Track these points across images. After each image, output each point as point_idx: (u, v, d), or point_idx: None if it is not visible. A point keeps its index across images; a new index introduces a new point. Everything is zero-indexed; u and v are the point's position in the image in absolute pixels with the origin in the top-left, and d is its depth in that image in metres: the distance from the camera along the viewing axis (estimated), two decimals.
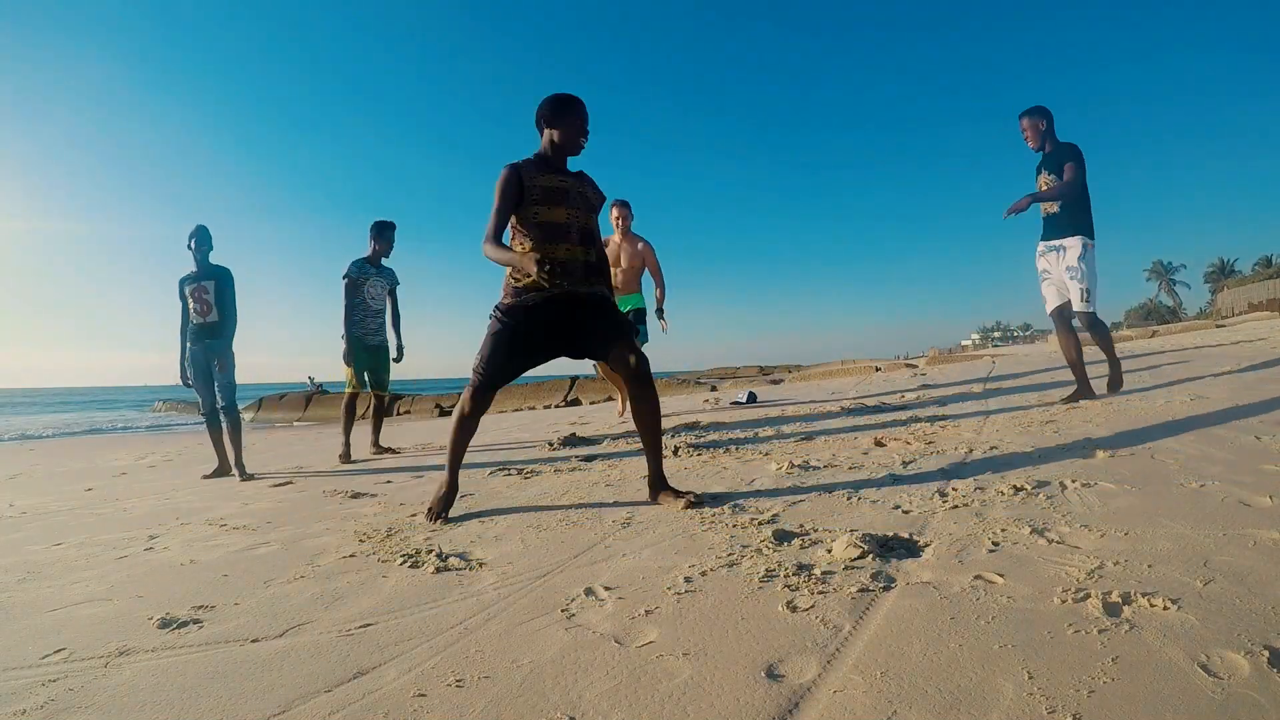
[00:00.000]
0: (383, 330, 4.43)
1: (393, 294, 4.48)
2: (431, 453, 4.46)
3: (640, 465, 3.10)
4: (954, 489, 2.10)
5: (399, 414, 14.43)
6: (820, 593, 1.39)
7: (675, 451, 3.26)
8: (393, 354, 4.54)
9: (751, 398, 6.20)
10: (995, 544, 1.58)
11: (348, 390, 4.35)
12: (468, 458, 3.95)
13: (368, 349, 4.34)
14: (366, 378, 4.40)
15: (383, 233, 4.39)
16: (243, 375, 4.06)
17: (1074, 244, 3.61)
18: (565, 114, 2.35)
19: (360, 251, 4.41)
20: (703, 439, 3.70)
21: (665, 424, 4.71)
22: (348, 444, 4.18)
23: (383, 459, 4.22)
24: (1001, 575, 1.39)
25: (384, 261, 4.44)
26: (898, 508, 1.97)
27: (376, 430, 4.55)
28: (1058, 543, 1.56)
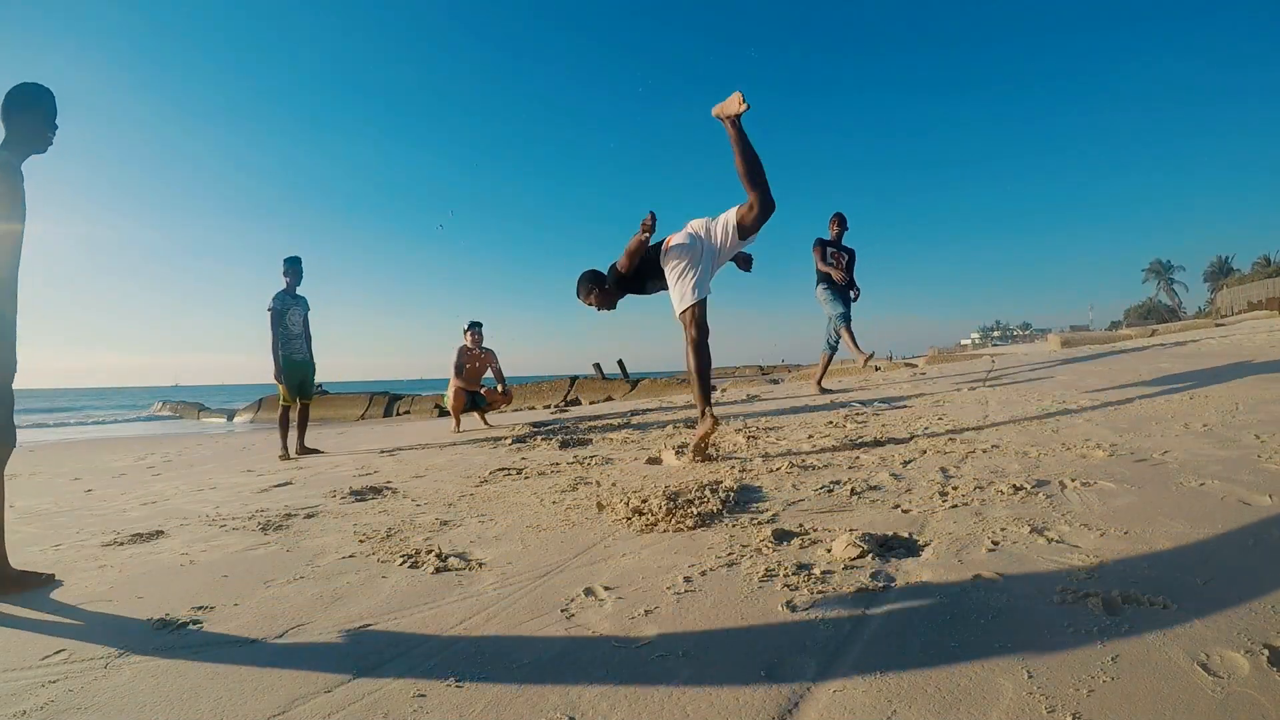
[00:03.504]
0: (304, 348, 5.25)
1: (306, 319, 5.32)
2: (432, 452, 4.47)
3: (639, 465, 3.11)
4: (954, 488, 2.10)
5: (399, 414, 14.42)
6: (820, 592, 1.39)
7: (678, 450, 3.26)
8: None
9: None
10: (995, 543, 1.58)
11: (282, 404, 5.14)
12: (466, 459, 3.94)
13: (295, 365, 5.15)
14: (297, 390, 5.18)
15: (294, 267, 5.21)
16: (241, 376, 4.15)
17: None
18: None
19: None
20: None
21: (664, 418, 4.72)
22: (286, 446, 5.05)
23: (308, 458, 4.96)
24: (1001, 575, 1.39)
25: (298, 291, 5.24)
26: (897, 507, 1.97)
27: (302, 433, 5.24)
28: (1058, 542, 1.56)
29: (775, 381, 10.43)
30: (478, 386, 6.30)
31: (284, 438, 5.08)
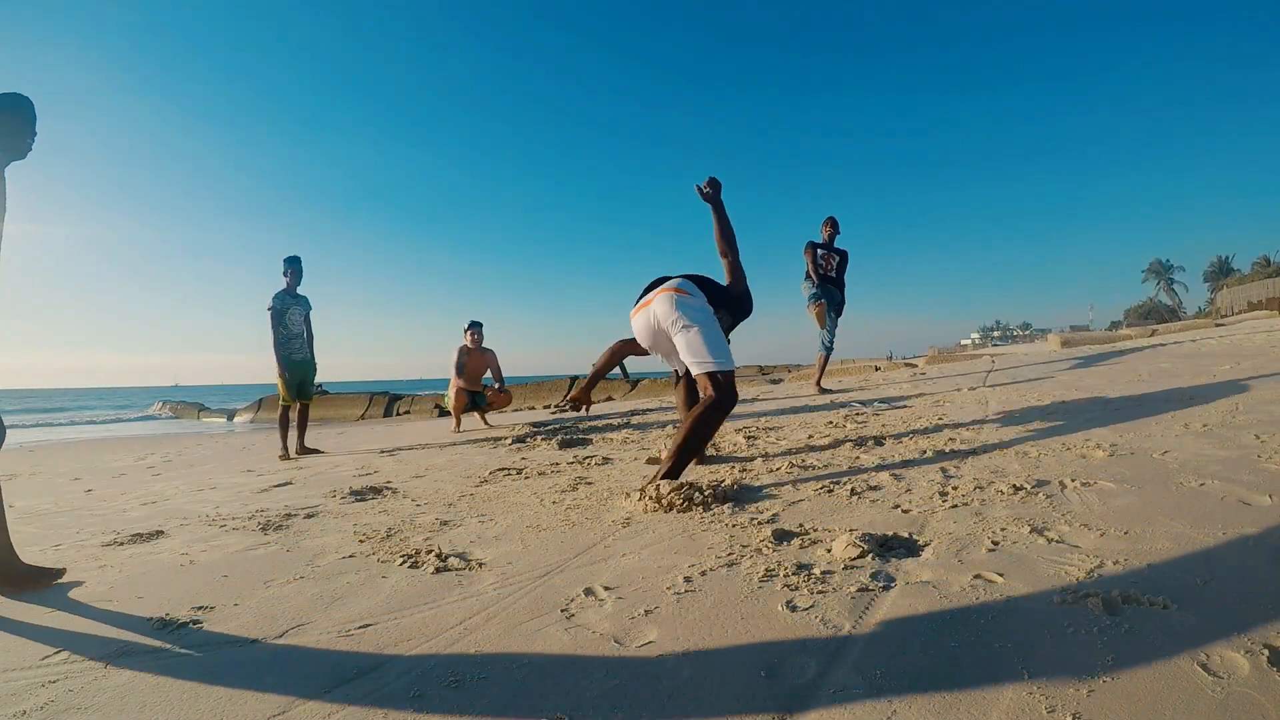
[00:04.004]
0: (304, 348, 5.24)
1: (308, 319, 5.29)
2: (432, 452, 4.47)
3: (639, 465, 3.11)
4: (954, 488, 2.10)
5: (399, 414, 14.41)
6: (820, 592, 1.39)
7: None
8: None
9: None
10: (995, 543, 1.58)
11: (281, 404, 5.15)
12: (466, 459, 3.95)
13: (295, 365, 5.13)
14: (297, 390, 5.16)
15: (294, 266, 5.19)
16: (241, 376, 4.15)
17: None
18: None
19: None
20: None
21: (664, 419, 4.73)
22: (286, 446, 5.06)
23: (308, 458, 4.96)
24: (1001, 575, 1.39)
25: (298, 290, 5.23)
26: (897, 507, 1.97)
27: (302, 434, 5.24)
28: (1057, 542, 1.56)
29: (776, 381, 10.43)
30: (478, 386, 6.33)
31: (284, 438, 5.09)
